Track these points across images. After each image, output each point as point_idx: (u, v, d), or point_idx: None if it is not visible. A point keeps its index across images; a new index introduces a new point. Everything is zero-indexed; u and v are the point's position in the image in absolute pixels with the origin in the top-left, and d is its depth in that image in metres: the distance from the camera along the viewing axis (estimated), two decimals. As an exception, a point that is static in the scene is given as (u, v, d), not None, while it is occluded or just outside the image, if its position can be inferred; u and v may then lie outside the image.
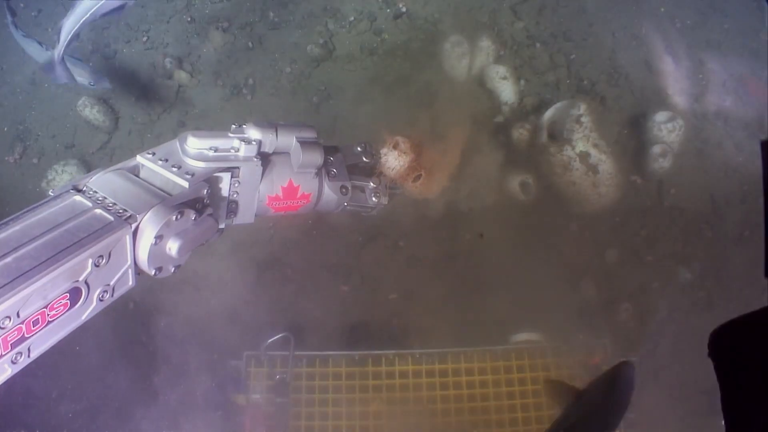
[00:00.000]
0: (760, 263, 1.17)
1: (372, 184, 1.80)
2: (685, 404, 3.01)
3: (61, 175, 3.39)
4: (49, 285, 0.98)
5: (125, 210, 1.14)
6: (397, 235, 3.41)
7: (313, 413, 2.75)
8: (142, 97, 3.60)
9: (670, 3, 3.77)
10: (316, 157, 1.56)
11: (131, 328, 3.16)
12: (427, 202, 3.29)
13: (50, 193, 1.18)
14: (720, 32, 3.71)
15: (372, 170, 1.84)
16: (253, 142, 1.41)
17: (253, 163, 1.41)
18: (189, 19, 3.73)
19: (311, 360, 2.85)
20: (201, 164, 1.32)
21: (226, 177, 1.37)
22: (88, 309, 1.09)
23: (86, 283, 1.06)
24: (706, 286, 3.38)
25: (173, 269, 1.24)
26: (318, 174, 1.62)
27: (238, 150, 1.39)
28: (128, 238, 1.11)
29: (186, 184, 1.25)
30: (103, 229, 1.07)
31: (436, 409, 2.78)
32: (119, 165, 1.30)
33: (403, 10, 3.72)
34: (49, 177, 3.40)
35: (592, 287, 3.37)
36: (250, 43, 3.68)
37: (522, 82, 3.63)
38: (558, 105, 3.47)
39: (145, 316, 3.18)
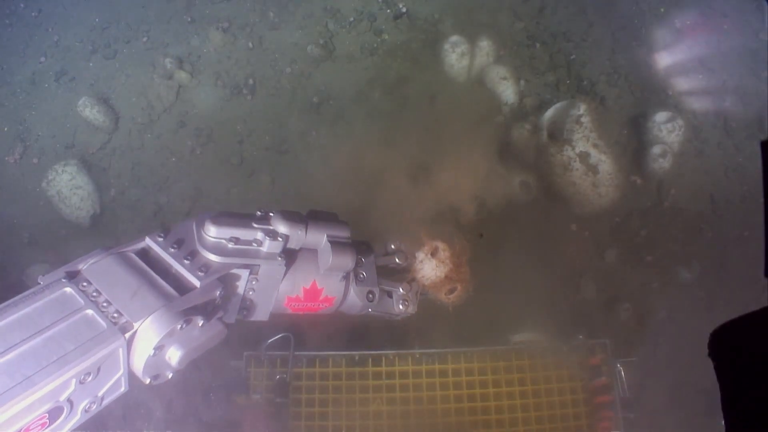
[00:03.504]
0: (760, 263, 1.17)
1: (401, 290, 1.61)
2: (685, 404, 3.01)
3: (61, 175, 3.39)
4: (24, 410, 0.85)
5: (120, 314, 0.99)
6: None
7: (313, 413, 2.75)
8: (142, 97, 3.60)
9: (670, 3, 3.77)
10: (347, 262, 1.37)
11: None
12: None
13: (39, 281, 1.03)
14: (720, 32, 3.71)
15: (403, 273, 1.65)
16: (279, 239, 1.24)
17: (277, 263, 1.24)
18: (189, 19, 3.73)
19: (311, 360, 2.84)
20: (217, 259, 1.15)
21: (243, 274, 1.20)
22: (70, 422, 0.96)
23: (69, 400, 0.92)
24: (706, 286, 3.38)
25: (171, 375, 1.08)
26: (345, 276, 1.45)
27: (261, 244, 1.22)
28: (122, 349, 0.97)
29: (197, 284, 1.09)
30: (93, 341, 0.93)
31: (436, 409, 2.78)
32: (125, 246, 1.16)
33: (403, 10, 3.72)
34: (50, 177, 3.40)
35: (592, 287, 3.37)
36: (250, 43, 3.68)
37: (522, 82, 3.63)
38: (558, 105, 3.47)
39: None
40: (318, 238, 1.33)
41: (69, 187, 3.38)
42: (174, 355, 1.02)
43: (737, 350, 1.00)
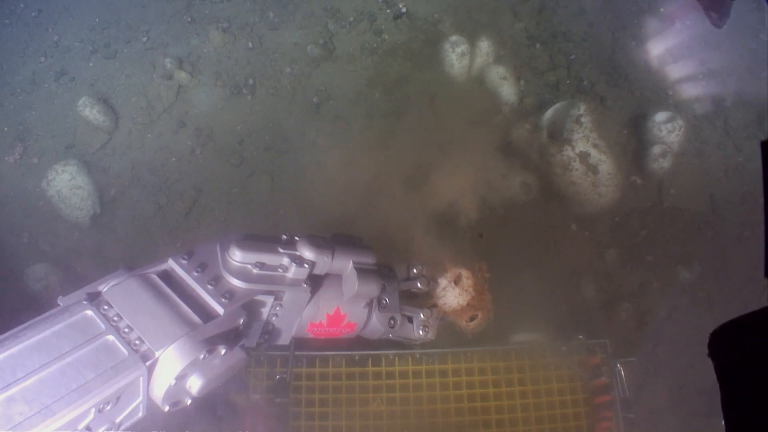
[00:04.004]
0: (760, 263, 1.17)
1: (422, 316, 1.59)
2: (685, 404, 3.01)
3: (61, 175, 3.39)
4: None
5: (142, 341, 0.96)
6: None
7: (313, 413, 2.75)
8: (142, 97, 3.60)
9: (669, 3, 3.77)
10: (372, 289, 1.36)
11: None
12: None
13: (60, 302, 1.01)
14: (720, 32, 3.71)
15: (424, 297, 1.64)
16: (306, 265, 1.21)
17: (302, 289, 1.22)
18: (189, 19, 3.73)
19: (311, 360, 2.84)
20: (242, 285, 1.12)
21: (267, 300, 1.18)
22: None
23: (87, 428, 0.90)
24: (706, 286, 3.38)
25: (190, 402, 1.06)
26: (369, 302, 1.44)
27: (287, 270, 1.19)
28: (142, 378, 0.94)
29: (221, 311, 1.06)
30: (114, 370, 0.91)
31: (436, 410, 2.78)
32: (148, 267, 1.11)
33: (403, 10, 3.72)
34: (50, 177, 3.40)
35: (592, 287, 3.37)
36: (250, 43, 3.69)
37: (522, 82, 3.63)
38: (558, 105, 3.47)
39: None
40: (344, 264, 1.31)
41: (69, 187, 3.38)
42: (195, 384, 1.00)
43: (737, 350, 1.00)
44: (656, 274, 3.40)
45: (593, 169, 3.32)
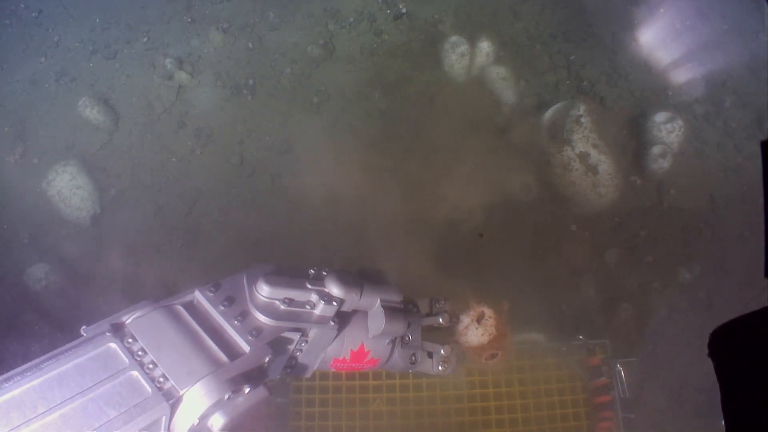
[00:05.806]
0: (760, 263, 1.17)
1: (443, 351, 1.58)
2: (685, 404, 3.01)
3: (62, 175, 3.39)
4: None
5: (166, 378, 0.95)
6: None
7: (313, 413, 2.75)
8: (142, 97, 3.61)
9: (670, 3, 3.77)
10: (399, 328, 1.36)
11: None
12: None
13: (83, 332, 0.99)
14: (720, 32, 3.72)
15: (445, 333, 1.66)
16: (334, 302, 1.20)
17: (329, 327, 1.21)
18: (189, 19, 3.73)
19: (311, 360, 2.84)
20: (269, 322, 1.10)
21: (294, 336, 1.17)
22: None
23: None
24: (706, 286, 3.38)
25: None
26: (393, 339, 1.44)
27: (314, 307, 1.19)
28: (165, 417, 0.92)
29: (247, 349, 1.04)
30: (137, 409, 0.89)
31: (436, 410, 2.78)
32: (173, 299, 1.11)
33: (403, 10, 3.72)
34: (50, 177, 3.40)
35: (592, 287, 3.37)
36: (250, 44, 3.69)
37: (522, 82, 3.63)
38: (558, 105, 3.47)
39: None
40: (371, 301, 1.31)
41: (69, 187, 3.38)
42: (217, 422, 0.98)
43: (737, 350, 1.00)
44: (656, 274, 3.41)
45: (593, 170, 3.33)
